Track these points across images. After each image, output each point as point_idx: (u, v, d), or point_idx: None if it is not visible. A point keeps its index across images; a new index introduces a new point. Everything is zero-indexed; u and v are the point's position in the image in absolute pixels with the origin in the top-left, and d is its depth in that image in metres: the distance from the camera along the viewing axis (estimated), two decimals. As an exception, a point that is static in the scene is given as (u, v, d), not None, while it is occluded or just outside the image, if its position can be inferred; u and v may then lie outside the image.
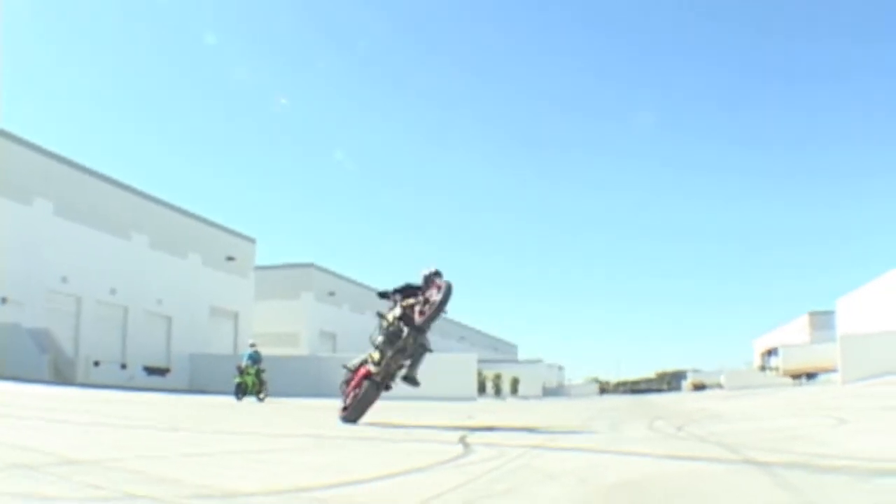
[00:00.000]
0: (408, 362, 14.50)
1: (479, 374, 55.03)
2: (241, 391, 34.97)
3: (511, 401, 50.75)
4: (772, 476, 5.57)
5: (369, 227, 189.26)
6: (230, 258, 54.67)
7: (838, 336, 49.63)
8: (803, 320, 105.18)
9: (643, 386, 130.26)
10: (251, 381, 35.30)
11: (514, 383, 76.55)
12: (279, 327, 61.43)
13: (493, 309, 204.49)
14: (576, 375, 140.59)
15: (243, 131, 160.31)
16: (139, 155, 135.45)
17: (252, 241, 58.60)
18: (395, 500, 4.90)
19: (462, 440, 10.36)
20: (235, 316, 56.11)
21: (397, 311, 14.14)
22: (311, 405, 29.10)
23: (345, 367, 15.48)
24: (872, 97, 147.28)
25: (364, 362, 14.76)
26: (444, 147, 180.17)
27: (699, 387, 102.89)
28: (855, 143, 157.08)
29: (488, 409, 26.38)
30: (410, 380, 14.57)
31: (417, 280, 14.47)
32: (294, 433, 12.88)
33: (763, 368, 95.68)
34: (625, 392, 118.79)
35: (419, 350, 14.36)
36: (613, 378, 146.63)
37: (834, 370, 48.91)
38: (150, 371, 46.69)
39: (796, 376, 75.04)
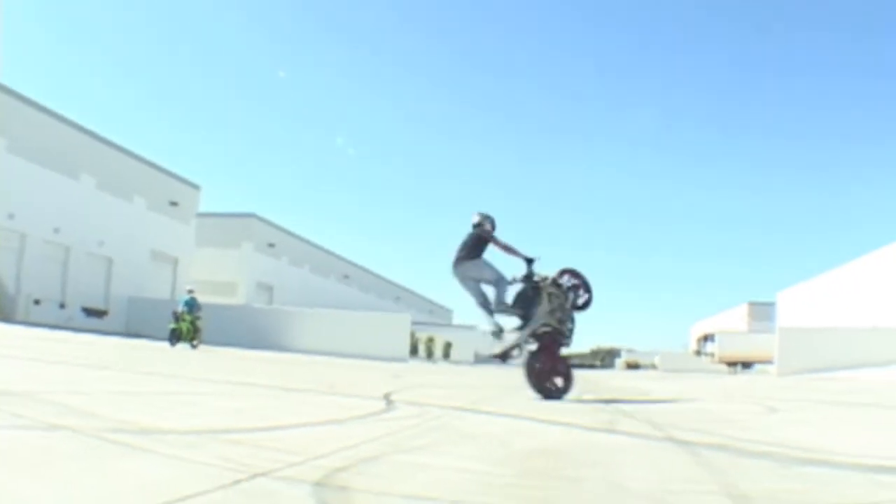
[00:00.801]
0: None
1: (413, 335, 54.96)
2: (175, 337, 34.72)
3: (442, 365, 50.85)
4: (693, 455, 5.54)
5: (316, 181, 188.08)
6: (174, 203, 54.12)
7: (777, 328, 49.69)
8: (742, 309, 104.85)
9: (577, 361, 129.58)
10: (186, 327, 35.06)
11: (447, 348, 76.46)
12: (217, 276, 60.98)
13: (432, 272, 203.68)
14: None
15: (199, 82, 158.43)
16: (93, 96, 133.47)
17: (197, 187, 57.98)
18: (307, 446, 4.88)
19: (386, 397, 10.42)
20: (175, 262, 55.62)
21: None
22: (243, 355, 29.01)
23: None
24: (843, 92, 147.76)
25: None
26: (385, 97, 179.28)
27: (633, 366, 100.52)
28: (813, 138, 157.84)
29: (417, 371, 26.40)
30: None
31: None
32: (221, 380, 12.88)
33: (699, 353, 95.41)
34: None
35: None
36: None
37: (770, 361, 48.79)
38: (89, 312, 46.23)
39: (732, 364, 74.77)
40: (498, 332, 13.32)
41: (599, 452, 5.75)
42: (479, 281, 12.97)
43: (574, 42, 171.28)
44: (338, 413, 7.90)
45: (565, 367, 12.79)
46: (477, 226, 13.14)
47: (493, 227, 13.22)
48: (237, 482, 3.55)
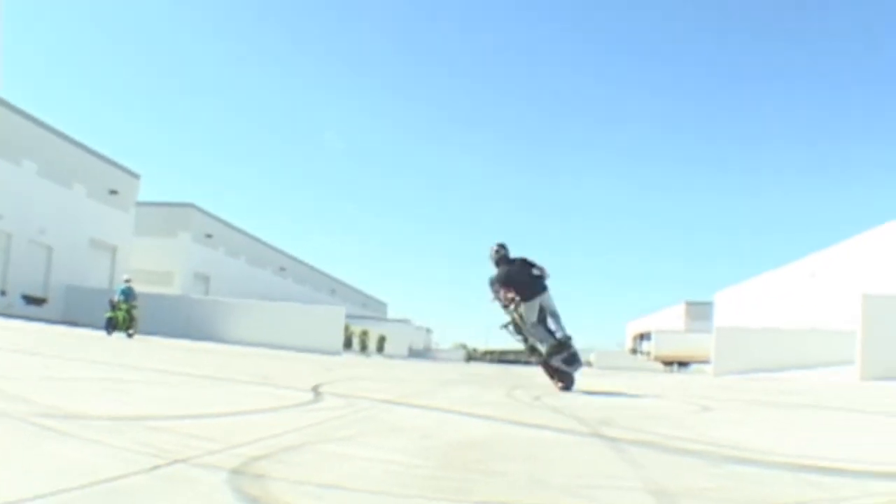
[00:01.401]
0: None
1: (347, 328, 54.81)
2: (111, 326, 34.31)
3: (376, 358, 50.75)
4: (619, 451, 5.51)
5: (254, 173, 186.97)
6: (113, 192, 53.45)
7: (714, 327, 49.75)
8: (679, 309, 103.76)
9: (511, 357, 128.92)
10: (122, 316, 34.67)
11: (381, 341, 76.24)
12: (154, 265, 60.35)
13: (367, 265, 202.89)
14: (444, 340, 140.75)
15: (144, 72, 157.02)
16: (34, 82, 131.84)
17: (137, 176, 57.22)
18: (230, 435, 4.89)
19: (315, 389, 10.42)
20: (114, 250, 55.00)
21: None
22: (178, 345, 28.85)
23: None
24: (787, 96, 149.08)
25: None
26: (333, 94, 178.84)
27: None
28: (757, 141, 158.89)
29: (350, 364, 26.42)
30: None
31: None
32: (152, 368, 12.82)
33: (634, 352, 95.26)
34: (492, 361, 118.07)
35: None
36: (482, 346, 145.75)
37: (707, 361, 48.64)
38: (28, 300, 45.57)
39: (668, 363, 74.64)
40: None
41: (524, 447, 5.76)
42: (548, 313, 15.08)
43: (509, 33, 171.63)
44: (265, 403, 7.92)
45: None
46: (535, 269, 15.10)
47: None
48: (156, 467, 3.57)
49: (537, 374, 16.72)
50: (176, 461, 3.77)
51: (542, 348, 14.77)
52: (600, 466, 4.86)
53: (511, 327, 15.11)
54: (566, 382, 14.72)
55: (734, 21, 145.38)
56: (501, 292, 14.80)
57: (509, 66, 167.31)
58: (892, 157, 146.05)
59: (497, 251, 15.32)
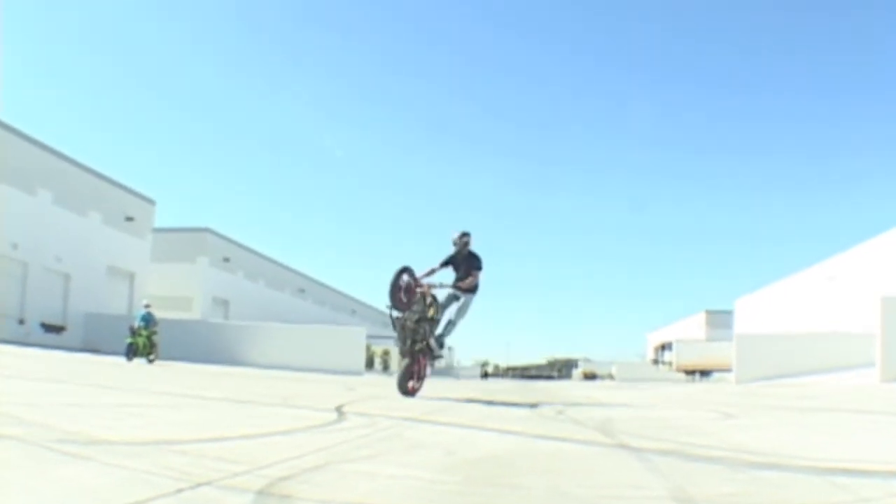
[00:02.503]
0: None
1: (368, 348, 54.88)
2: (131, 352, 34.16)
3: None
4: (643, 461, 5.46)
5: (268, 197, 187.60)
6: (129, 218, 53.62)
7: (735, 335, 49.41)
8: (700, 318, 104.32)
9: (533, 372, 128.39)
10: (143, 342, 34.66)
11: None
12: (173, 291, 60.49)
13: (387, 285, 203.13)
14: (465, 357, 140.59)
15: (152, 98, 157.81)
16: (44, 111, 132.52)
17: (152, 202, 57.43)
18: (253, 456, 4.85)
19: (338, 409, 10.38)
20: (132, 277, 55.16)
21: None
22: (199, 369, 28.89)
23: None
24: (800, 109, 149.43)
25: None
26: (342, 124, 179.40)
27: (590, 376, 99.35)
28: (773, 153, 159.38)
29: (372, 384, 26.34)
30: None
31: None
32: (173, 393, 12.81)
33: (656, 362, 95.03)
34: (514, 377, 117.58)
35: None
36: (503, 363, 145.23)
37: (728, 369, 48.04)
38: (47, 328, 45.69)
39: (690, 372, 74.38)
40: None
41: (547, 460, 5.70)
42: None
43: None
44: (288, 424, 7.87)
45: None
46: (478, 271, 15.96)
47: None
48: (179, 490, 3.53)
49: (558, 388, 16.64)
50: (200, 484, 3.73)
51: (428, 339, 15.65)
52: (623, 476, 4.86)
53: (398, 319, 15.38)
54: (417, 387, 15.81)
55: (747, 32, 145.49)
56: (418, 286, 15.29)
57: (506, 81, 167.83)
58: None
59: (461, 238, 15.87)
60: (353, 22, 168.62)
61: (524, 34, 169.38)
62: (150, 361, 33.48)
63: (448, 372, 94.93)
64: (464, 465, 5.16)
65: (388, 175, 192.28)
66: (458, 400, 16.01)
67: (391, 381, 34.85)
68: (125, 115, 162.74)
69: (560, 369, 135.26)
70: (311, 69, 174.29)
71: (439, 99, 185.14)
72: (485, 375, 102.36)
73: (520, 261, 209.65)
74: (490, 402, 15.14)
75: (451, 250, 15.96)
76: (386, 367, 68.69)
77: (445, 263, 15.92)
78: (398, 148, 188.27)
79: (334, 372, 36.79)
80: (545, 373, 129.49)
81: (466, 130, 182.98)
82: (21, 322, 43.99)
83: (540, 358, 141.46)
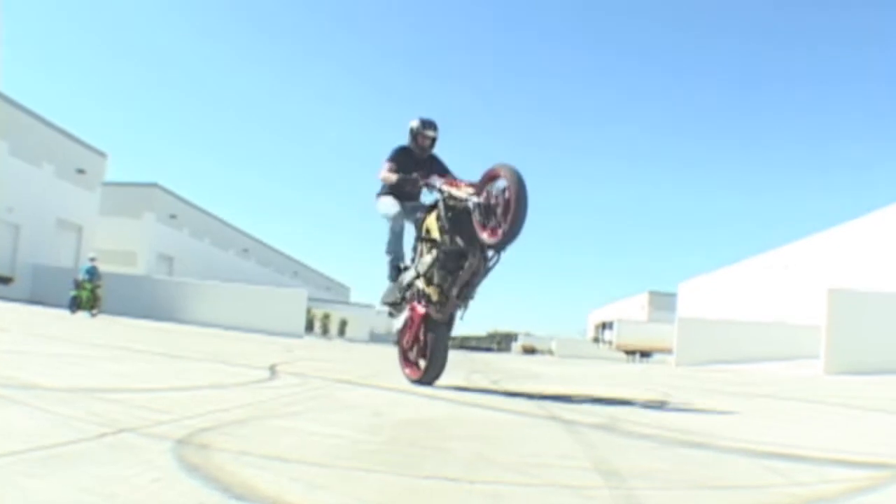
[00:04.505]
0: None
1: (309, 311, 54.68)
2: (75, 305, 33.90)
3: (337, 342, 50.64)
4: (573, 433, 5.39)
5: (219, 156, 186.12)
6: (81, 171, 52.80)
7: (677, 318, 49.33)
8: (643, 298, 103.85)
9: (473, 343, 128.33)
10: (86, 295, 34.30)
11: (343, 325, 75.85)
12: (118, 245, 59.66)
13: (330, 248, 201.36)
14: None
15: (107, 52, 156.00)
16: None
17: (104, 155, 56.40)
18: (180, 408, 4.90)
19: (272, 368, 10.43)
20: (80, 230, 54.37)
21: (441, 213, 9.30)
22: (141, 325, 28.69)
23: (391, 314, 10.86)
24: (755, 95, 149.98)
25: (408, 298, 10.21)
26: (298, 83, 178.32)
27: (529, 350, 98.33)
28: (722, 138, 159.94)
29: (310, 346, 26.31)
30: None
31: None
32: (112, 345, 12.75)
33: (596, 340, 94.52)
34: (454, 347, 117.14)
35: (486, 271, 9.29)
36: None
37: (669, 351, 47.98)
38: (-4, 279, 45.32)
39: (630, 352, 73.97)
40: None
41: (476, 426, 5.74)
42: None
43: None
44: (220, 380, 7.93)
45: (432, 346, 9.74)
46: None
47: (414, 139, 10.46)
48: (103, 435, 3.59)
49: (497, 360, 16.49)
50: (123, 430, 3.78)
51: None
52: (552, 447, 4.80)
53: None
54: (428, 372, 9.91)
55: (703, 23, 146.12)
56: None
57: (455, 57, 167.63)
58: (857, 155, 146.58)
59: (427, 129, 10.41)
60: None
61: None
62: (94, 315, 33.17)
63: (387, 338, 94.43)
64: (390, 426, 5.18)
65: (344, 141, 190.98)
66: (396, 365, 16.03)
67: (329, 345, 34.95)
68: (78, 66, 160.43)
69: (500, 342, 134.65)
70: (274, 33, 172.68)
71: (385, 64, 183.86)
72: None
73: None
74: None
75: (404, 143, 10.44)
76: (326, 331, 68.58)
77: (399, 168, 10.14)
78: (351, 110, 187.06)
79: (274, 333, 36.66)
80: (485, 345, 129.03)
81: (401, 91, 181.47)
82: (-28, 272, 43.49)
83: (480, 330, 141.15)
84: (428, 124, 10.43)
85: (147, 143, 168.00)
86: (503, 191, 8.20)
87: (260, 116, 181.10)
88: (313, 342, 36.11)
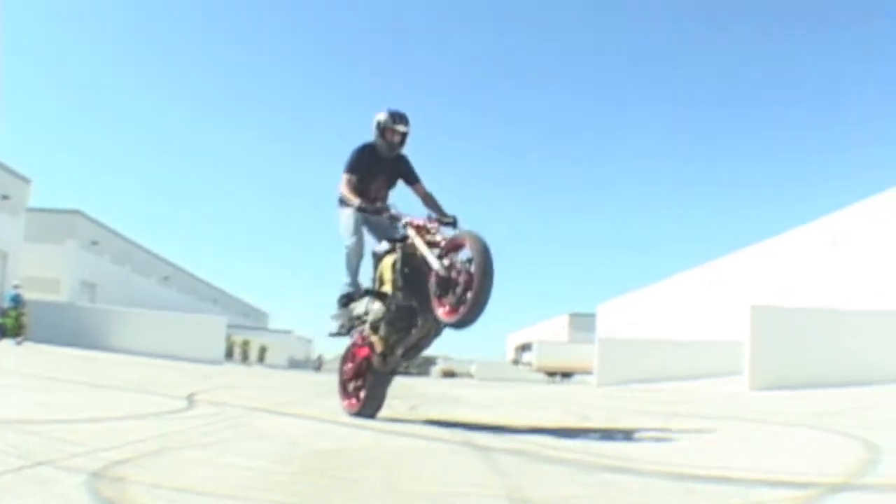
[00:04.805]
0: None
1: (229, 338, 54.29)
2: (1, 333, 33.52)
3: (256, 368, 50.25)
4: (489, 461, 5.26)
5: (142, 183, 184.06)
6: (5, 197, 52.10)
7: (597, 338, 48.99)
8: (563, 320, 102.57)
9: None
10: (11, 323, 33.81)
11: (262, 351, 75.21)
12: (41, 272, 58.56)
13: (249, 274, 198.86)
14: (328, 350, 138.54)
15: (31, 78, 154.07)
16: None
17: (28, 181, 55.82)
18: (97, 439, 4.94)
19: (189, 397, 10.38)
20: (4, 256, 53.55)
21: (397, 264, 8.13)
22: (64, 353, 28.18)
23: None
24: (669, 115, 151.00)
25: (356, 326, 9.14)
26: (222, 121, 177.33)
27: (449, 374, 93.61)
28: (636, 157, 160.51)
29: (230, 373, 26.15)
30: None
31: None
32: (34, 374, 12.68)
33: (516, 363, 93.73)
34: None
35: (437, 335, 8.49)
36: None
37: (590, 372, 47.74)
38: (-80, 306, 44.32)
39: (551, 374, 73.11)
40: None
41: (391, 455, 5.66)
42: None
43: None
44: (138, 410, 7.89)
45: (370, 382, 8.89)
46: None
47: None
48: (21, 468, 3.65)
49: (416, 384, 16.27)
50: (41, 463, 3.83)
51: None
52: (465, 475, 4.70)
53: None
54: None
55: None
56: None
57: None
58: (776, 172, 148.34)
59: (398, 122, 8.80)
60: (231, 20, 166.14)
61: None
62: (19, 343, 32.64)
63: (306, 364, 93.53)
64: (305, 456, 5.17)
65: (262, 169, 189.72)
66: (316, 393, 15.97)
67: (249, 372, 34.73)
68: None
69: (420, 366, 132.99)
70: (189, 63, 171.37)
71: (310, 92, 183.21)
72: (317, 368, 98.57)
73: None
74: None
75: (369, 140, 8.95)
76: (245, 358, 68.00)
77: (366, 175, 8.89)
78: (272, 140, 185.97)
79: (195, 360, 36.25)
80: (402, 370, 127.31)
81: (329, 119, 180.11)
82: None
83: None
84: (398, 117, 8.84)
85: (67, 170, 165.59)
86: (466, 263, 7.20)
87: (179, 144, 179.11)
88: (233, 369, 35.81)
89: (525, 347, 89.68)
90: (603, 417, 11.12)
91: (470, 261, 7.11)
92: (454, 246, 7.48)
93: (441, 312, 7.42)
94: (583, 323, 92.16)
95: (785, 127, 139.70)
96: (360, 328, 8.96)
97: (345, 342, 9.34)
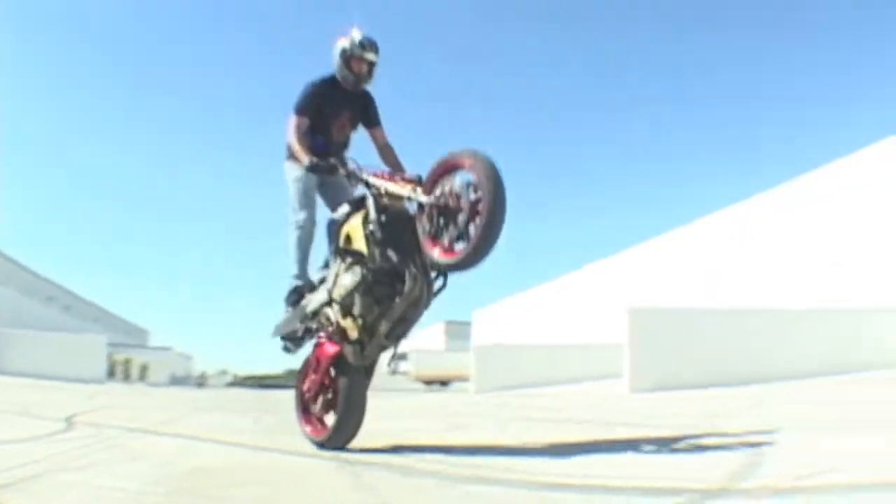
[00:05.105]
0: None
1: (110, 357, 53.42)
2: None
3: (138, 386, 49.47)
4: (356, 476, 5.28)
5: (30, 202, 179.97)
6: None
7: (472, 346, 48.68)
8: (439, 328, 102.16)
9: (270, 381, 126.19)
10: None
11: (143, 369, 74.16)
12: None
13: (128, 290, 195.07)
14: (209, 366, 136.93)
15: None
16: None
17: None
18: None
19: (69, 419, 10.23)
20: None
21: (371, 215, 6.44)
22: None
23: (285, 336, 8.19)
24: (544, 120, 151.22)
25: (314, 329, 7.55)
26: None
27: None
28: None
29: (111, 393, 25.64)
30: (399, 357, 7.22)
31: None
32: None
33: (394, 373, 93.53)
34: (251, 386, 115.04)
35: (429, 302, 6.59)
36: (242, 372, 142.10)
37: (467, 379, 47.46)
38: None
39: (429, 382, 72.59)
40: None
41: (262, 472, 5.63)
42: None
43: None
44: (17, 434, 7.78)
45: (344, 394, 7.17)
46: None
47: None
48: None
49: (291, 398, 15.76)
50: (-86, 494, 3.85)
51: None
52: (333, 491, 4.75)
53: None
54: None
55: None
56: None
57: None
58: (653, 173, 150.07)
59: (367, 50, 7.41)
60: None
61: None
62: None
63: (186, 381, 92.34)
64: (177, 475, 5.14)
65: (137, 185, 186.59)
66: (196, 409, 15.81)
67: (131, 390, 34.26)
68: None
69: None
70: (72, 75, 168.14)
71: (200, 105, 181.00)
72: (201, 385, 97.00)
73: (253, 269, 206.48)
74: (222, 411, 15.06)
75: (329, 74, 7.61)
76: (127, 376, 66.91)
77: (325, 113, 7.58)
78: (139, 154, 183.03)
79: (77, 380, 35.61)
80: (282, 382, 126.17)
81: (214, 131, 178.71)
82: None
83: (277, 368, 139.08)
84: (368, 44, 7.38)
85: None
86: (469, 189, 5.66)
87: (47, 156, 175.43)
88: (114, 388, 35.23)
89: (400, 357, 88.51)
90: (476, 425, 11.03)
91: (474, 186, 5.60)
92: (446, 169, 5.91)
93: (437, 253, 5.89)
94: (459, 331, 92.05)
95: (673, 128, 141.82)
96: (319, 329, 7.35)
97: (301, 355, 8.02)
